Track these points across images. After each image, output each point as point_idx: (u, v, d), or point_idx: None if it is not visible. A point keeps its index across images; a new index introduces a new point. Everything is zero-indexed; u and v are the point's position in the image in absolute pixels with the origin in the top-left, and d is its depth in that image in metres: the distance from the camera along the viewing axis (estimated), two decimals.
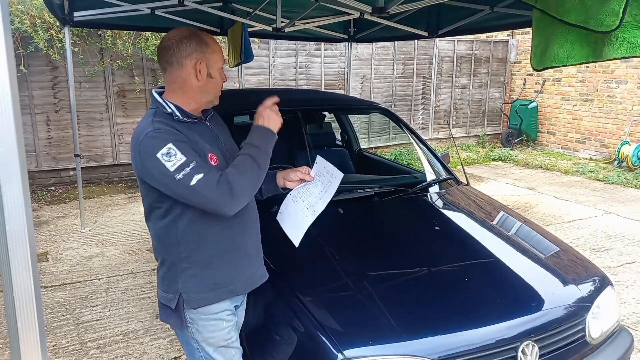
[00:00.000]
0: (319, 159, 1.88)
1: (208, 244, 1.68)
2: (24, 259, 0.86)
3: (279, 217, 1.92)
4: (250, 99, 3.72)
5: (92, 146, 6.93)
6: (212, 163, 1.65)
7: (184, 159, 1.51)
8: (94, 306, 3.59)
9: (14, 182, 0.84)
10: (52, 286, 3.90)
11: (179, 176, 1.50)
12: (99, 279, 4.03)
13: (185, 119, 1.67)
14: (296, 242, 1.83)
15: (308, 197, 1.83)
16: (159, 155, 1.51)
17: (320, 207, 1.79)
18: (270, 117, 1.73)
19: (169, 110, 1.66)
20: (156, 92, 1.73)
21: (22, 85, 6.36)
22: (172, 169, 1.50)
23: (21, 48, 6.07)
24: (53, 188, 6.72)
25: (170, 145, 1.52)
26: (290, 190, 1.90)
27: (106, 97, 6.90)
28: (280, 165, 1.97)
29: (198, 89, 1.68)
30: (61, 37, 6.04)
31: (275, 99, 1.77)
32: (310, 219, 1.79)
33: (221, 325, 1.77)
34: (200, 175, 1.51)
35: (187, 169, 1.50)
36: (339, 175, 1.80)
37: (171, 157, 1.51)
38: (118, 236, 5.01)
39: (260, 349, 2.02)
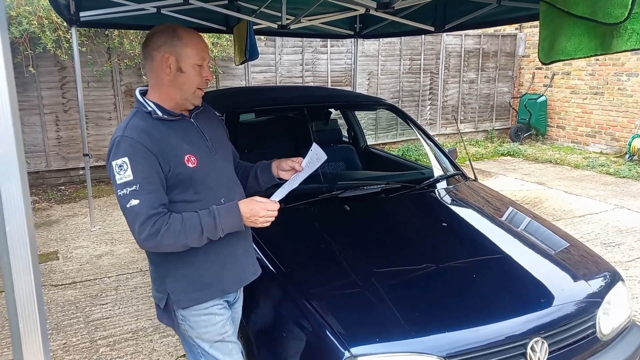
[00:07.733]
0: (314, 146, 1.87)
1: None
2: (24, 260, 0.86)
3: None
4: (255, 97, 3.72)
5: (101, 145, 6.96)
6: (190, 165, 1.64)
7: (130, 178, 1.53)
8: (103, 304, 3.62)
9: (13, 184, 0.84)
10: (62, 284, 3.93)
11: (120, 192, 1.54)
12: (109, 277, 4.06)
13: (165, 116, 1.66)
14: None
15: (293, 182, 1.85)
16: (113, 163, 1.55)
17: (297, 183, 1.85)
18: (255, 216, 1.65)
19: (149, 109, 1.65)
20: (139, 91, 1.73)
21: (31, 85, 6.41)
22: (118, 182, 1.54)
23: (29, 49, 6.11)
24: (63, 187, 6.77)
25: (125, 159, 1.54)
26: (285, 181, 1.88)
27: (114, 96, 6.93)
28: None
29: (169, 84, 1.66)
30: (69, 38, 6.07)
31: (275, 211, 1.70)
32: (286, 192, 1.82)
33: (214, 319, 1.76)
34: (136, 202, 1.53)
35: (129, 190, 1.53)
36: (324, 157, 1.83)
37: (121, 171, 1.54)
38: (127, 234, 5.04)
39: (267, 347, 2.01)
